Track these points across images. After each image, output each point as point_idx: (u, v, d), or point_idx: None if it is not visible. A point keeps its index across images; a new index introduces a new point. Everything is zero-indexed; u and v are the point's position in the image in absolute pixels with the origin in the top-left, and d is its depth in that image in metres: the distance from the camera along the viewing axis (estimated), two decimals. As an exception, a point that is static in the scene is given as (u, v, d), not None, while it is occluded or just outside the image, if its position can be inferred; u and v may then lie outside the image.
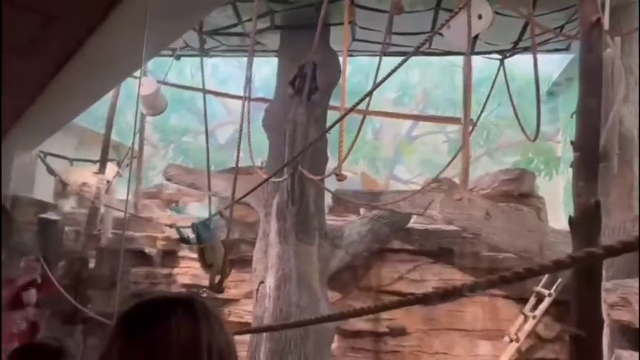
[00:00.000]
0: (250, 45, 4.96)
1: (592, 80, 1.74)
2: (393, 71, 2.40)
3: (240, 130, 4.60)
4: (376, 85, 2.61)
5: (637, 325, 3.74)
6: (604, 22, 1.77)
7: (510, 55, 5.85)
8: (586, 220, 1.62)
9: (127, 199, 5.23)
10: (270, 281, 5.04)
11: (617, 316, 3.98)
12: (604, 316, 3.76)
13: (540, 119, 3.42)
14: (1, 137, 3.77)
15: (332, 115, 5.79)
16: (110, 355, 0.91)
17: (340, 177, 3.69)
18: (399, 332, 6.02)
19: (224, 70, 10.84)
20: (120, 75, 3.69)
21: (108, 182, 6.95)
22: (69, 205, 7.07)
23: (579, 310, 1.63)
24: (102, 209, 6.78)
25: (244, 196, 4.47)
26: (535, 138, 3.63)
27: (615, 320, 4.01)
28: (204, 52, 6.41)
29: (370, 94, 2.68)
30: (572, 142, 1.76)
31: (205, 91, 5.99)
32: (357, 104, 2.61)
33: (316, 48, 4.14)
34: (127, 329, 0.93)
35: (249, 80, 4.80)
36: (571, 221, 1.71)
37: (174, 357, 0.88)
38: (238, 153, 4.81)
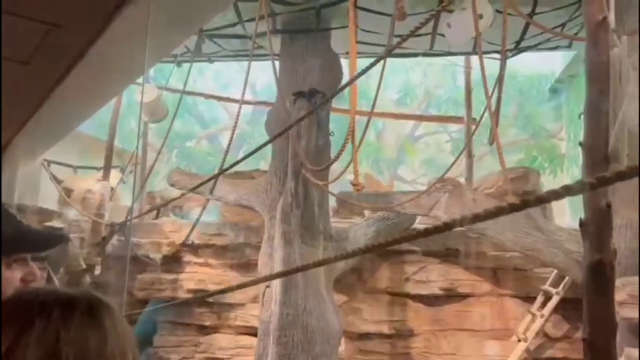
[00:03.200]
0: (252, 47, 4.97)
1: (599, 80, 1.72)
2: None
3: (232, 134, 4.63)
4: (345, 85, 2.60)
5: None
6: (610, 20, 1.76)
7: (513, 55, 5.83)
8: (597, 223, 1.61)
9: (132, 206, 5.25)
10: (276, 285, 5.03)
11: (626, 314, 3.95)
12: (613, 314, 3.73)
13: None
14: (1, 143, 3.77)
15: (334, 118, 5.80)
16: None
17: (358, 187, 3.67)
18: (406, 333, 6.00)
19: (226, 75, 10.87)
20: (123, 83, 3.68)
21: (112, 188, 6.97)
22: (73, 212, 7.08)
23: (591, 312, 1.62)
24: (107, 216, 6.79)
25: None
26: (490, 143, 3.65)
27: (624, 318, 3.98)
28: (205, 57, 6.42)
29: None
30: (580, 144, 1.75)
31: (199, 95, 6.01)
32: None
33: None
34: None
35: (249, 84, 4.81)
36: (582, 223, 1.70)
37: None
38: (226, 154, 4.84)
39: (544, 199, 0.76)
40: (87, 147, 8.55)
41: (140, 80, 4.21)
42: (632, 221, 3.95)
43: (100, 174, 7.06)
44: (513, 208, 0.78)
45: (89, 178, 7.20)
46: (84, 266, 6.43)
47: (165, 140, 6.16)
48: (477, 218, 0.90)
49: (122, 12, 2.17)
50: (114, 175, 7.16)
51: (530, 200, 0.76)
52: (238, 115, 4.66)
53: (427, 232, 1.09)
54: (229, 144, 4.64)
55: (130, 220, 5.51)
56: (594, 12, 1.74)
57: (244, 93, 4.92)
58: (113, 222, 5.94)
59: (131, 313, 5.36)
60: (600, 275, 1.57)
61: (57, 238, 1.35)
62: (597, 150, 1.67)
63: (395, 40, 4.15)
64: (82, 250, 6.60)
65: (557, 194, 0.75)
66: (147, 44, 2.20)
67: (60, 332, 0.80)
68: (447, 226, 1.04)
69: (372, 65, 2.47)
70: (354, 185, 3.70)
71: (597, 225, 1.62)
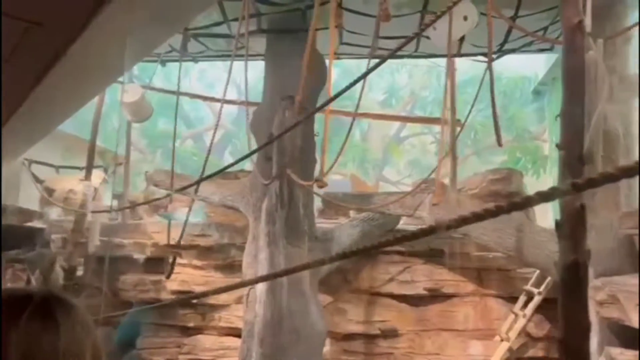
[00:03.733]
0: (235, 47, 4.96)
1: (575, 82, 1.75)
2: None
3: (214, 134, 4.62)
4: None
5: (626, 323, 3.77)
6: (586, 24, 1.79)
7: (497, 58, 5.88)
8: (572, 224, 1.63)
9: (111, 203, 5.18)
10: (261, 286, 5.01)
11: (606, 313, 4.01)
12: (593, 314, 3.79)
13: (499, 125, 3.48)
14: (0, 139, 3.70)
15: (319, 118, 5.80)
16: None
17: (320, 184, 3.68)
18: (391, 334, 6.02)
19: (211, 75, 10.82)
20: (104, 82, 3.65)
21: (95, 188, 6.89)
22: (55, 213, 6.99)
23: (565, 312, 1.64)
24: (89, 216, 6.72)
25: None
26: (499, 144, 3.67)
27: (604, 318, 4.04)
28: (190, 57, 6.38)
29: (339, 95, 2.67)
30: (557, 145, 1.77)
31: (184, 94, 5.98)
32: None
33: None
34: None
35: (241, 84, 4.81)
36: (557, 224, 1.72)
37: None
38: (208, 155, 4.83)
39: (519, 206, 0.78)
40: (69, 147, 8.46)
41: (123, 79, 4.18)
42: (611, 221, 4.01)
43: (83, 173, 6.98)
44: (489, 213, 0.80)
45: (71, 178, 7.12)
46: (52, 258, 6.36)
47: (173, 141, 6.08)
48: (458, 222, 0.91)
49: (103, 10, 2.15)
50: (97, 175, 7.08)
51: (503, 206, 0.78)
52: (219, 115, 4.64)
53: (414, 236, 1.10)
54: (211, 144, 4.62)
55: (110, 210, 5.45)
56: (570, 16, 1.77)
57: (225, 93, 4.91)
58: (94, 209, 5.88)
59: (113, 315, 5.30)
60: (574, 275, 1.60)
61: (31, 232, 1.34)
62: (572, 152, 1.69)
63: (380, 41, 4.17)
64: (58, 250, 6.52)
65: (531, 200, 0.76)
66: (128, 42, 2.18)
67: (10, 329, 0.80)
68: (434, 229, 1.05)
69: (376, 66, 2.45)
70: (317, 181, 3.72)
71: (572, 226, 1.64)
